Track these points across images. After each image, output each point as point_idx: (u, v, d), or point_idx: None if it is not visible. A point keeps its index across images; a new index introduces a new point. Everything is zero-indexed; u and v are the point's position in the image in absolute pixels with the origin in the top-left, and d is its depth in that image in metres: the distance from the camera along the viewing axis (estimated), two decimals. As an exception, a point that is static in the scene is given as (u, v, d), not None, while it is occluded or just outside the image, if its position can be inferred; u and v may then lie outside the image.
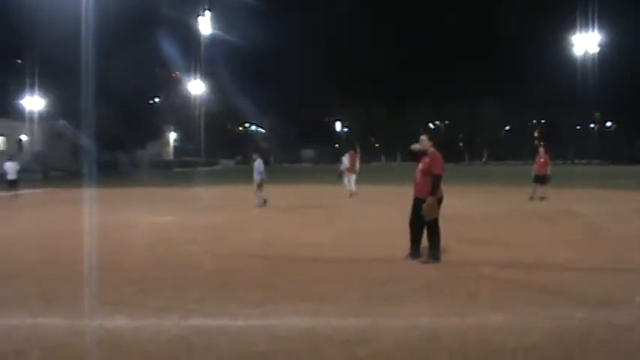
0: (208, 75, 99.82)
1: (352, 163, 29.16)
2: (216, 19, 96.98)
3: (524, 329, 6.98)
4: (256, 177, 23.83)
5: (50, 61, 67.06)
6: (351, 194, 28.32)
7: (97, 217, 20.22)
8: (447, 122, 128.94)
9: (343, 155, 30.00)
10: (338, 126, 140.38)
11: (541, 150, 26.71)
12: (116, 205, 25.67)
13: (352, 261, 11.50)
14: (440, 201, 10.97)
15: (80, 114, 67.10)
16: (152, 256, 12.44)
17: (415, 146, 11.42)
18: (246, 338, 6.78)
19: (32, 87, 75.86)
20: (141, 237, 15.47)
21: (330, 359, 6.19)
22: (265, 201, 23.86)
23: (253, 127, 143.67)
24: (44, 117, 76.33)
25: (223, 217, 20.25)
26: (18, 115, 76.70)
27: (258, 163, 23.94)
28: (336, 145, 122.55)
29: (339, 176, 29.73)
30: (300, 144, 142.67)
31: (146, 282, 9.68)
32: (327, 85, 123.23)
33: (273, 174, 59.35)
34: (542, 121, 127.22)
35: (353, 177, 28.98)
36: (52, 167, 67.31)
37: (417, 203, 11.04)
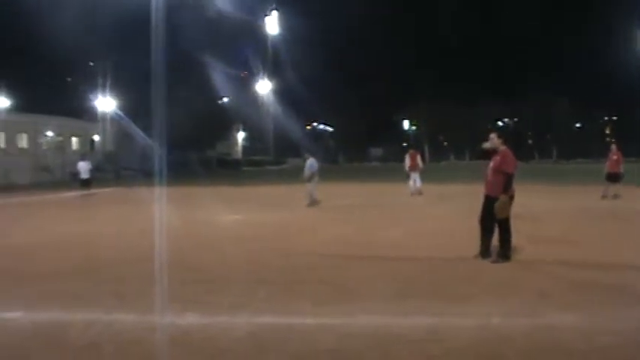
0: (276, 74, 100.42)
1: (413, 161, 29.19)
2: (283, 18, 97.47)
3: (597, 330, 6.86)
4: (308, 174, 24.20)
5: (121, 63, 68.39)
6: (412, 193, 28.32)
7: (166, 216, 20.54)
8: (516, 120, 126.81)
9: (406, 155, 30.03)
10: (406, 124, 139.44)
11: (613, 147, 26.10)
12: (185, 204, 26.03)
13: (421, 259, 11.44)
14: (511, 199, 10.84)
15: (151, 114, 68.28)
16: (220, 254, 12.61)
17: (486, 145, 11.33)
18: (316, 336, 6.82)
19: (104, 88, 77.46)
20: (209, 235, 15.67)
21: (400, 358, 6.17)
22: (316, 201, 24.00)
23: (321, 126, 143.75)
24: (115, 117, 77.97)
25: (291, 216, 20.42)
26: (90, 115, 78.51)
27: (311, 162, 24.25)
28: (404, 144, 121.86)
29: (407, 176, 29.63)
30: (369, 142, 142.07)
31: (215, 280, 9.83)
32: (395, 83, 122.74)
33: (340, 173, 59.31)
34: (614, 117, 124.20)
35: (417, 175, 28.96)
36: (124, 166, 68.65)
37: (488, 201, 10.94)
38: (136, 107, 69.96)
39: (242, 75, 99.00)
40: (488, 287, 9.03)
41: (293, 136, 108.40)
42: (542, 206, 21.53)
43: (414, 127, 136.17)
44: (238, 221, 19.26)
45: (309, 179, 24.21)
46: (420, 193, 28.28)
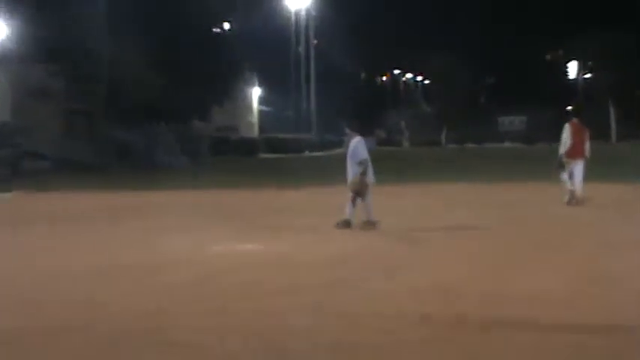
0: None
1: (577, 140, 28.33)
2: None
3: None
4: (352, 169, 23.34)
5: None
6: (573, 199, 27.85)
7: (119, 247, 20.69)
8: None
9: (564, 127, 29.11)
10: (572, 69, 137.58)
11: None
12: (155, 223, 26.30)
13: (609, 329, 11.38)
14: None
15: (82, 53, 68.18)
16: (224, 316, 12.71)
17: None
18: None
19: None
20: (203, 282, 15.76)
21: None
22: (374, 223, 23.36)
23: (407, 76, 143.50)
24: (9, 58, 75.02)
25: (349, 244, 20.68)
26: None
27: (356, 145, 23.32)
28: (568, 108, 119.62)
29: (557, 166, 28.97)
30: (498, 107, 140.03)
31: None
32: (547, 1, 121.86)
33: (442, 163, 58.89)
34: None
35: (579, 166, 28.26)
36: (31, 152, 68.23)
37: None
38: (51, 39, 69.79)
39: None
40: None
41: (354, 97, 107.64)
42: None
43: (587, 76, 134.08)
44: (253, 255, 19.52)
45: (360, 181, 23.58)
46: (579, 199, 27.85)
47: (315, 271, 17.06)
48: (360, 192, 23.13)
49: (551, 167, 29.93)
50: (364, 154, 23.11)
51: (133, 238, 22.56)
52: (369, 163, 23.18)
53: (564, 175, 28.41)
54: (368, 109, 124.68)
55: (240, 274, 16.76)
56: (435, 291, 14.26)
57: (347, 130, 24.62)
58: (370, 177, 23.20)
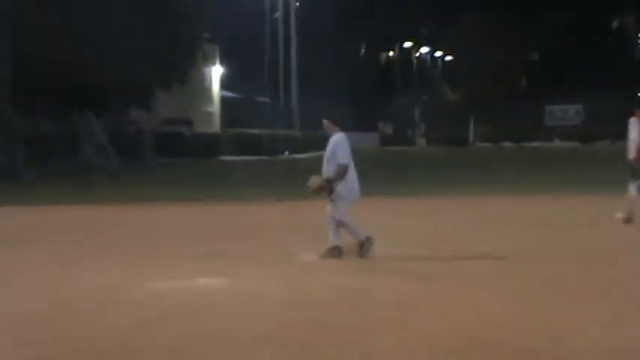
0: None
1: None
2: None
3: None
4: (328, 170, 23.10)
5: None
6: (629, 216, 28.03)
7: (37, 282, 20.43)
8: None
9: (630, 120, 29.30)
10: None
11: None
12: (80, 249, 26.20)
13: None
14: None
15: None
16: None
17: None
18: None
19: None
20: (144, 329, 15.50)
21: None
22: (366, 243, 23.13)
23: (424, 51, 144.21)
24: None
25: (336, 279, 20.55)
26: None
27: (336, 143, 23.22)
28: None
29: (632, 175, 29.01)
30: (545, 93, 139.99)
31: None
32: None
33: (464, 168, 59.07)
34: None
35: None
36: None
37: None
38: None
39: None
40: None
41: (349, 79, 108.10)
42: None
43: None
44: (212, 291, 19.43)
45: (320, 186, 23.24)
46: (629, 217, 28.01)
47: (289, 315, 16.76)
48: (316, 192, 23.31)
49: (619, 174, 30.03)
50: (344, 157, 22.86)
51: (51, 269, 22.25)
52: (354, 171, 23.13)
53: (633, 187, 28.41)
54: (369, 95, 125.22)
55: (187, 319, 16.50)
56: (452, 344, 13.97)
57: (325, 123, 24.13)
58: (352, 189, 22.95)
